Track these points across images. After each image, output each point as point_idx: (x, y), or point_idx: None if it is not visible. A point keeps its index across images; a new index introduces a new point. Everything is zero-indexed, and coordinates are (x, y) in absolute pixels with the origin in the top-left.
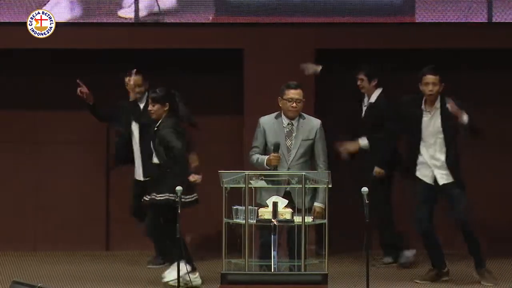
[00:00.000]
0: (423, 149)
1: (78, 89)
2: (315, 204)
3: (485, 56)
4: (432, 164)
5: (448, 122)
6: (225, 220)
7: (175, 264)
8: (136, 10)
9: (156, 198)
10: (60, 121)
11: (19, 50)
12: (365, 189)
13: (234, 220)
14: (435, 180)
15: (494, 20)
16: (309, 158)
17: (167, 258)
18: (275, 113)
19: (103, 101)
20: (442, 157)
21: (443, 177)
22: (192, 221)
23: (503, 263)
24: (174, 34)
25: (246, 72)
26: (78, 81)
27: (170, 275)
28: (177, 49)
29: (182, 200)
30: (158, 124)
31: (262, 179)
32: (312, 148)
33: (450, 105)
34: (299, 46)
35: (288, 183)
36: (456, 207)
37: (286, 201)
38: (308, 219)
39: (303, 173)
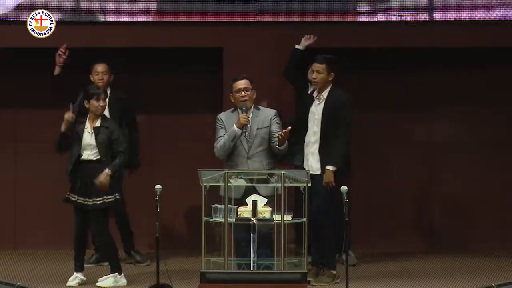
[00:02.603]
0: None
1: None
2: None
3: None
4: (310, 152)
5: (329, 113)
6: (204, 218)
7: (116, 274)
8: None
9: (97, 203)
10: (40, 120)
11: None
12: (344, 188)
13: (214, 219)
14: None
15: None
16: (267, 146)
17: (116, 267)
18: (231, 109)
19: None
20: (315, 146)
21: (316, 167)
22: (172, 220)
23: (492, 261)
24: (154, 33)
25: (225, 71)
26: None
27: (105, 281)
28: (156, 48)
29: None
30: (99, 123)
31: (241, 178)
32: (268, 136)
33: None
34: (279, 44)
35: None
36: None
37: (265, 200)
38: (288, 218)
39: (283, 172)
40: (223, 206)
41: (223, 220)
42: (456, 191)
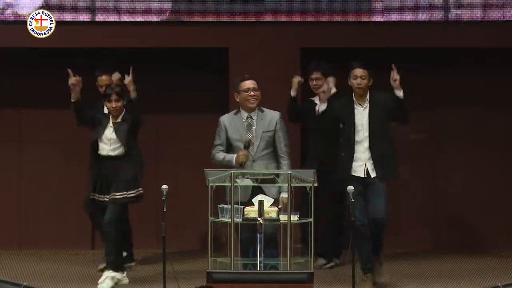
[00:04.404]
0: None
1: (71, 80)
2: (282, 195)
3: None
4: (364, 157)
5: (376, 115)
6: (210, 219)
7: (117, 272)
8: None
9: (117, 197)
10: (45, 120)
11: (2, 48)
12: (350, 188)
13: (220, 219)
14: (366, 174)
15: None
16: (273, 149)
17: (114, 264)
18: (234, 110)
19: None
20: (369, 150)
21: (373, 171)
22: (178, 220)
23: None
24: (159, 33)
25: (231, 71)
26: (68, 70)
27: (104, 283)
28: (161, 48)
29: (139, 193)
30: (120, 119)
31: (247, 178)
32: (274, 140)
33: (394, 78)
34: (284, 45)
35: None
36: (376, 203)
37: (272, 200)
38: (294, 218)
39: (289, 171)
40: (229, 206)
41: (230, 220)
42: (463, 191)
